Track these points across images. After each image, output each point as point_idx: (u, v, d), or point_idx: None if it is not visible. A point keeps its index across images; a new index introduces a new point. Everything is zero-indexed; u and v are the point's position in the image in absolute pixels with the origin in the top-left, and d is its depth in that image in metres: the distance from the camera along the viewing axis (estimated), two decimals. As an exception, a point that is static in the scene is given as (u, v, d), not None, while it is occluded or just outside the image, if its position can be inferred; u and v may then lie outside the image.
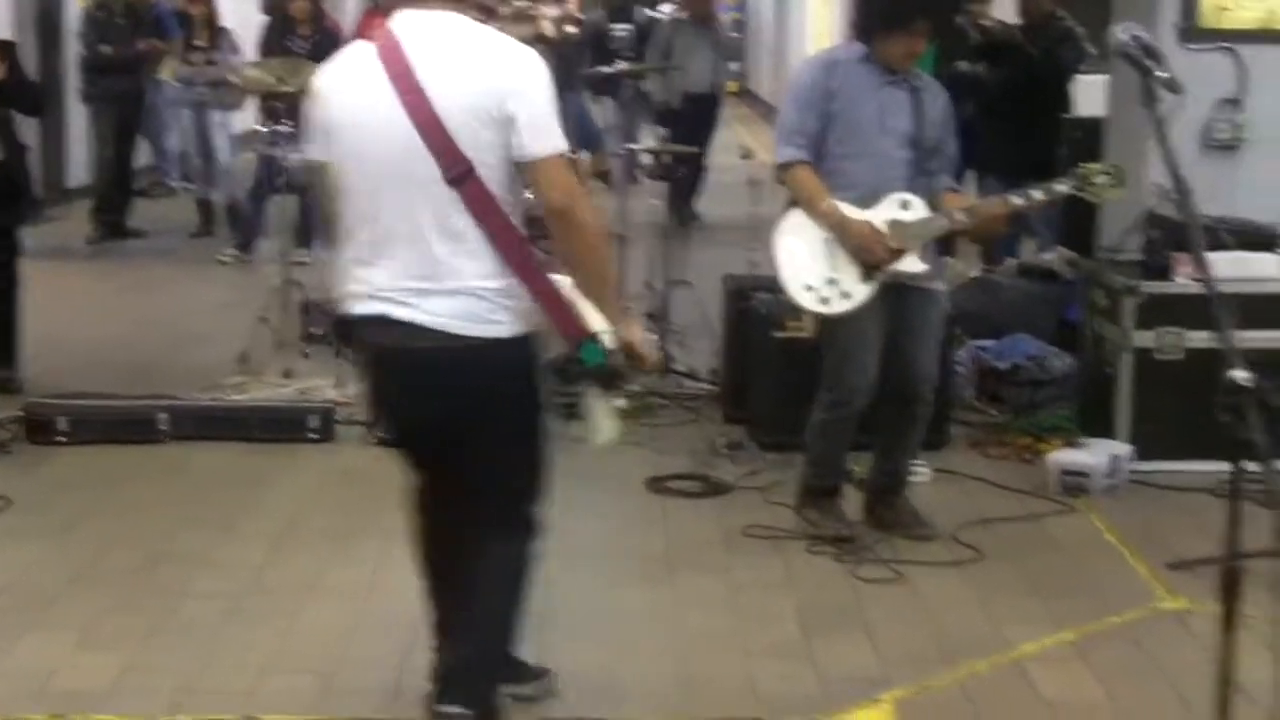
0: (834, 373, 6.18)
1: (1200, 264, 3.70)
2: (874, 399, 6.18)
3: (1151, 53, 3.76)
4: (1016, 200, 6.14)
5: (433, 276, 4.12)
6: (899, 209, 6.04)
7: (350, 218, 4.23)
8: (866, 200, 6.03)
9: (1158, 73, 3.73)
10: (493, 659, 4.48)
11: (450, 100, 4.05)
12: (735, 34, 32.89)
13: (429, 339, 4.15)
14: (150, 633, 5.31)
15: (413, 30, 4.15)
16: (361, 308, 4.22)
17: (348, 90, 4.18)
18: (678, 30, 14.88)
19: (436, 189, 4.07)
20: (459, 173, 4.06)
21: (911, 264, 6.08)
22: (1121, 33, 3.85)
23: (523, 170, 4.12)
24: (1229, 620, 3.33)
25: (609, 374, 4.24)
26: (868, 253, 5.99)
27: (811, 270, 6.05)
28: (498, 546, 4.45)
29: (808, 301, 6.10)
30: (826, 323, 6.16)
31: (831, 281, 6.03)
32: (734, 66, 32.01)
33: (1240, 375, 3.20)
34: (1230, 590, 3.32)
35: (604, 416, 4.32)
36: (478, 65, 4.10)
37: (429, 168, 4.06)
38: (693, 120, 14.01)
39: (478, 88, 4.06)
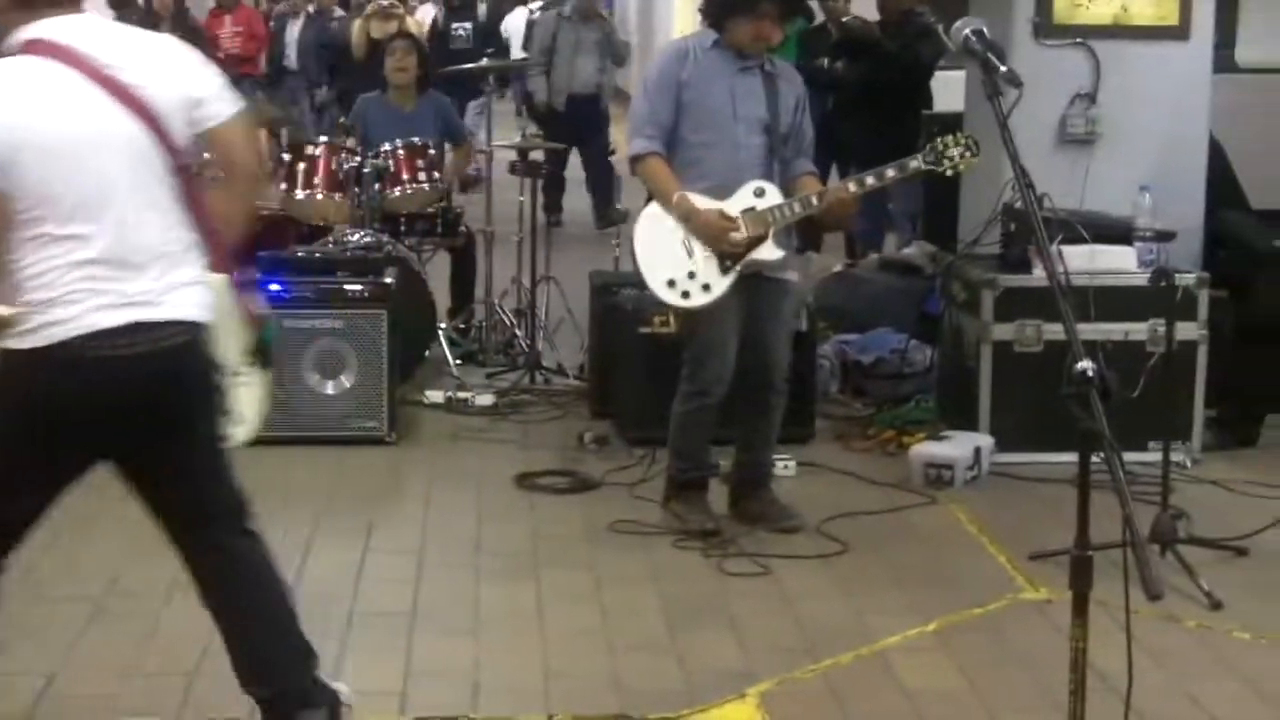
0: (695, 364, 6.21)
1: (1044, 254, 3.76)
2: (731, 391, 6.21)
3: (993, 47, 3.81)
4: (869, 179, 6.15)
5: (173, 269, 4.04)
6: (753, 196, 6.05)
7: (66, 238, 3.95)
8: (722, 189, 6.04)
9: (999, 67, 3.78)
10: (296, 649, 4.35)
11: (155, 94, 4.00)
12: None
13: (182, 332, 4.06)
14: (9, 636, 5.23)
15: (77, 34, 4.00)
16: (109, 319, 3.95)
17: (39, 108, 3.94)
18: (561, 27, 14.12)
19: (162, 183, 4.03)
20: (179, 164, 4.05)
21: (768, 252, 6.10)
22: (964, 27, 3.90)
23: (212, 138, 4.13)
24: (1078, 608, 3.39)
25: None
26: (717, 241, 6.01)
27: (671, 264, 6.07)
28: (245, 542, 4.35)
29: (669, 296, 6.11)
30: (688, 316, 6.19)
31: (691, 275, 6.05)
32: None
33: (1085, 366, 3.26)
34: (1079, 580, 3.38)
35: (253, 405, 4.30)
36: (161, 58, 4.09)
37: (157, 164, 4.02)
38: (573, 121, 13.65)
39: (171, 78, 4.05)
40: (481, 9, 19.38)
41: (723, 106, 6.08)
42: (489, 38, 17.75)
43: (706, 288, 6.04)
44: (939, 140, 6.11)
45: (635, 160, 6.17)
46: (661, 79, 6.16)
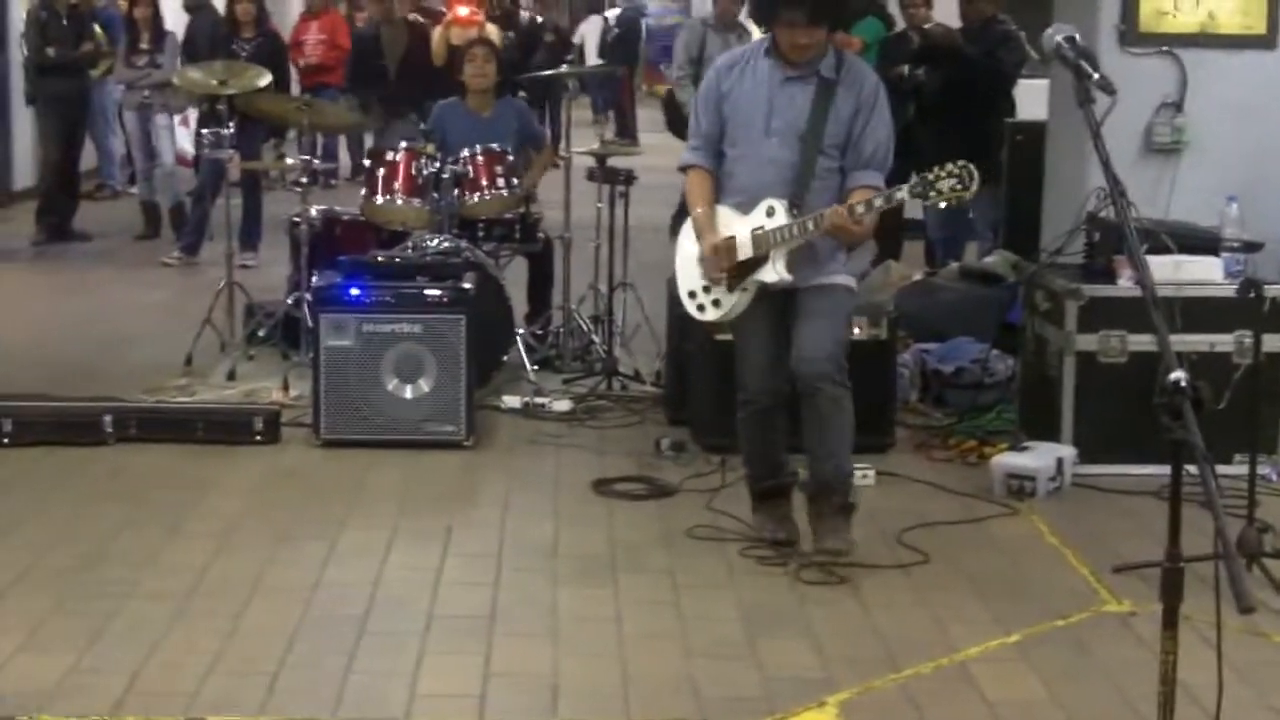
0: (738, 373, 6.21)
1: (1136, 265, 3.72)
2: (789, 399, 6.14)
3: (1085, 54, 3.78)
4: (859, 207, 5.74)
5: None
6: (765, 216, 5.88)
7: None
8: (750, 205, 5.93)
9: (1092, 74, 3.75)
10: None
11: None
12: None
13: None
14: (94, 634, 5.28)
15: None
16: None
17: None
18: (708, 36, 13.56)
19: None
20: None
21: (770, 274, 5.91)
22: (1055, 34, 3.87)
23: None
24: (1169, 621, 3.35)
25: None
26: (707, 266, 6.00)
27: (693, 277, 6.11)
28: None
29: (689, 307, 6.18)
30: (729, 325, 6.20)
31: (706, 289, 6.07)
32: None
33: (1177, 376, 3.22)
34: (1171, 592, 3.35)
35: None
36: None
37: None
38: None
39: None
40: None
41: (755, 119, 5.95)
42: (567, 45, 17.77)
43: (717, 303, 6.07)
44: (930, 171, 5.69)
45: (682, 171, 6.16)
46: (705, 91, 6.13)
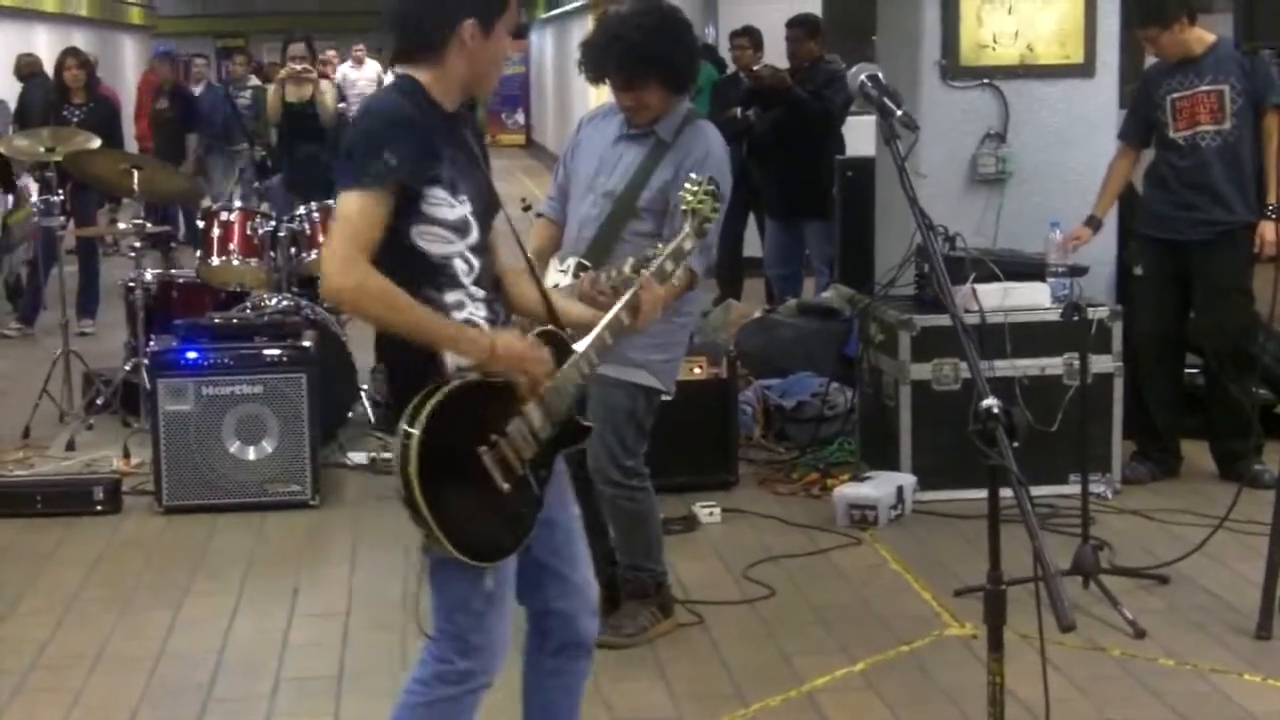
0: None
1: (943, 293, 3.79)
2: None
3: (888, 92, 3.85)
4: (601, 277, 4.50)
5: None
6: (558, 273, 5.57)
7: None
8: (561, 260, 5.68)
9: (895, 111, 3.82)
10: None
11: None
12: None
13: None
14: (-69, 717, 5.20)
15: None
16: None
17: None
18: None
19: None
20: None
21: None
22: (859, 74, 3.94)
23: None
24: (994, 642, 3.42)
25: None
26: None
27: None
28: None
29: None
30: None
31: None
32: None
33: (990, 403, 3.29)
34: (994, 614, 3.42)
35: None
36: None
37: None
38: None
39: None
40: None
41: (583, 177, 5.71)
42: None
43: None
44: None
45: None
46: (567, 141, 6.02)
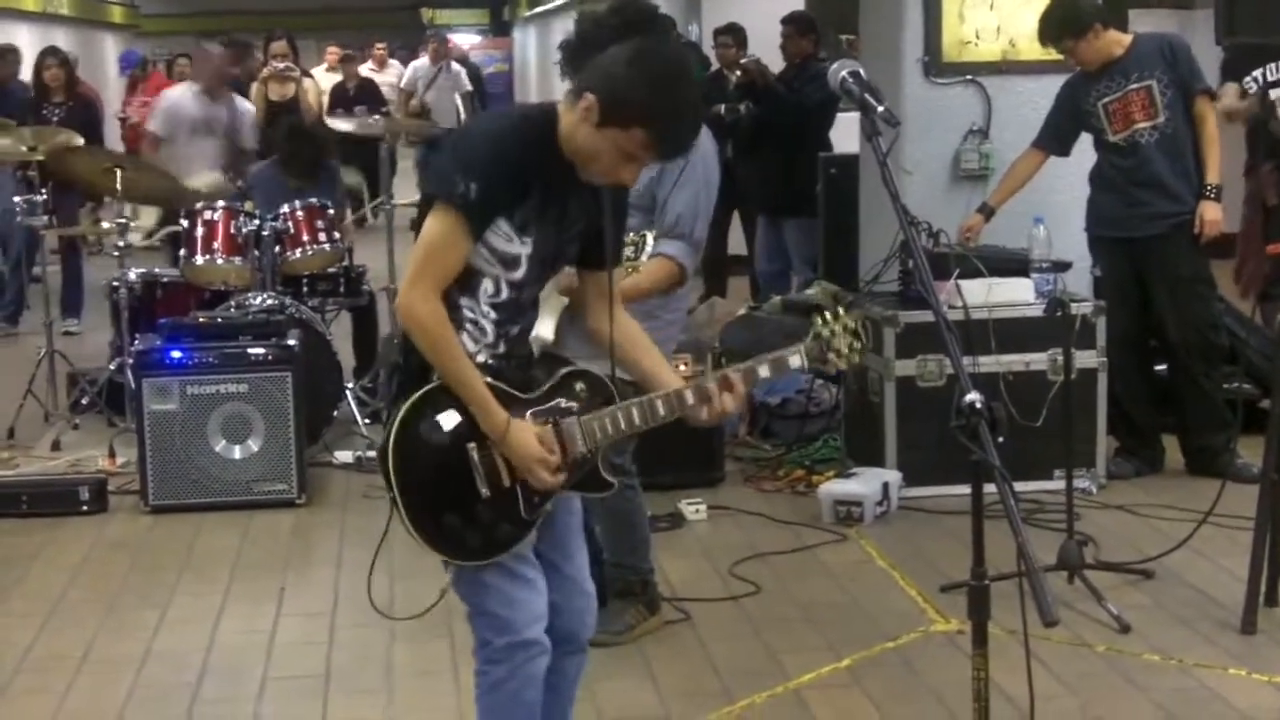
0: None
1: (925, 289, 3.79)
2: None
3: (869, 88, 3.85)
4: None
5: None
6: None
7: None
8: None
9: (876, 107, 3.82)
10: None
11: None
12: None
13: None
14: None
15: None
16: None
17: None
18: None
19: None
20: None
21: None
22: (840, 70, 3.94)
23: None
24: (979, 638, 3.43)
25: None
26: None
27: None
28: None
29: None
30: None
31: None
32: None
33: (973, 398, 3.30)
34: (978, 609, 3.43)
35: None
36: None
37: None
38: None
39: None
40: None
41: None
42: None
43: None
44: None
45: None
46: None
